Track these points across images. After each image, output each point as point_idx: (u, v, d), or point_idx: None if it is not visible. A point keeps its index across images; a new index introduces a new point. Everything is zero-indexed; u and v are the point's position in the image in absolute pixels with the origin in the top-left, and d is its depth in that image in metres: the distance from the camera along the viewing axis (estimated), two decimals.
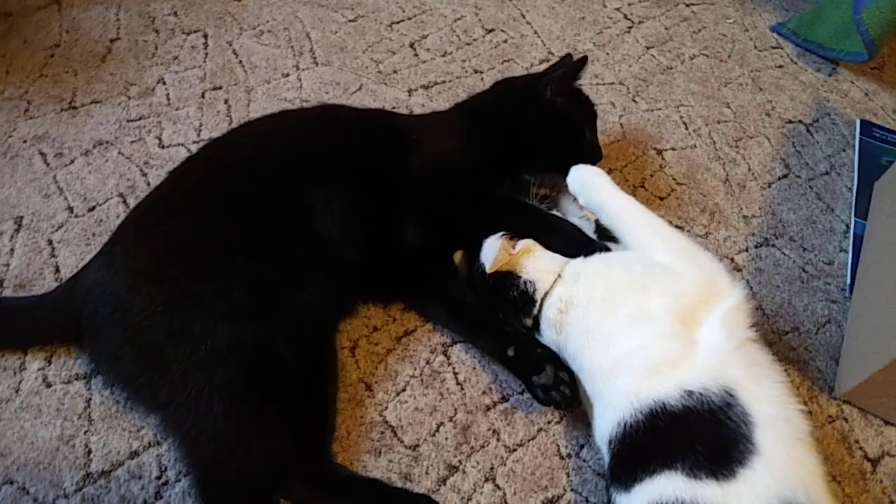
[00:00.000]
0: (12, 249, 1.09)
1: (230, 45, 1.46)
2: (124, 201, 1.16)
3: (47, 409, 0.94)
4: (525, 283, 0.97)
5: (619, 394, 0.86)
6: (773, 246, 1.27)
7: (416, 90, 1.43)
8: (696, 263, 0.94)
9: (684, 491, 0.76)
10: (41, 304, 0.96)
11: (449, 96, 1.42)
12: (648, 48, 1.62)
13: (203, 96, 1.35)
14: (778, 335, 1.15)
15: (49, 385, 0.95)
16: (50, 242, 1.10)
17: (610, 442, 0.87)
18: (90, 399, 0.95)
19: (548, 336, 0.97)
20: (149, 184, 1.19)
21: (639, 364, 0.86)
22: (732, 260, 1.24)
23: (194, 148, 1.25)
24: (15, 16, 1.45)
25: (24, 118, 1.27)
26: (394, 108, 1.38)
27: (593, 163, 1.10)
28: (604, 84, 1.51)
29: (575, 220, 1.10)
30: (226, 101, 1.35)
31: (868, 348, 1.07)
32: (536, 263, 0.99)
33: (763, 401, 0.82)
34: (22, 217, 1.13)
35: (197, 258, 0.87)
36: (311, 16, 1.56)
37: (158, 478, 0.90)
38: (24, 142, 1.23)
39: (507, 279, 0.98)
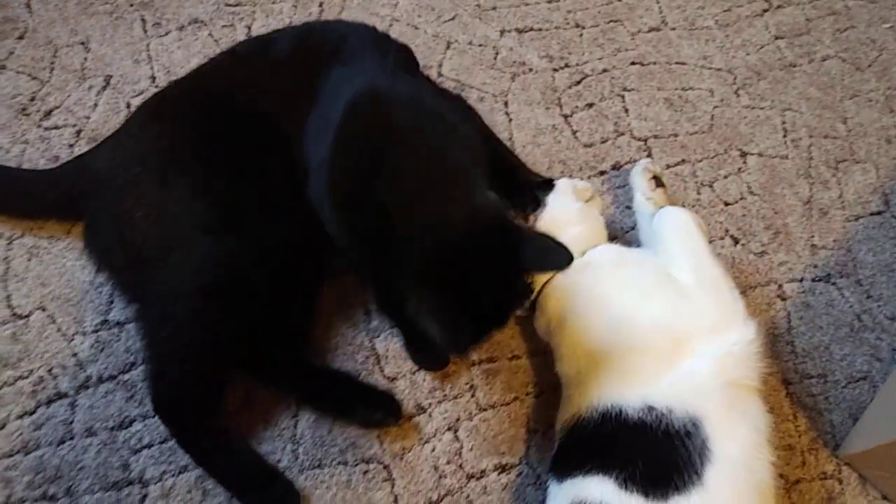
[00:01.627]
0: (96, 104, 1.19)
1: None
2: None
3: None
4: None
5: (582, 387, 0.86)
6: (834, 284, 1.17)
7: (509, 31, 1.39)
8: (716, 295, 0.89)
9: (610, 499, 0.76)
10: (44, 178, 1.03)
11: (541, 45, 1.37)
12: (777, 38, 1.47)
13: None
14: (800, 377, 1.08)
15: None
16: (128, 105, 1.19)
17: (561, 429, 0.87)
18: None
19: (539, 323, 0.97)
20: None
21: (607, 367, 0.84)
22: (780, 287, 1.16)
23: None
24: None
25: None
26: (481, 46, 1.35)
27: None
28: (710, 68, 1.39)
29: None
30: (320, 5, 1.37)
31: (894, 415, 0.99)
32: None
33: (730, 441, 0.79)
34: (111, 77, 1.22)
35: (191, 167, 0.90)
36: None
37: None
38: (131, 6, 1.31)
39: None
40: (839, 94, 1.41)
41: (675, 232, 0.97)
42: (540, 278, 0.95)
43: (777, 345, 1.10)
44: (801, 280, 1.17)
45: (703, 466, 0.76)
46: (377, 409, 0.95)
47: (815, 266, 1.19)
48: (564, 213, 1.00)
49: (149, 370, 0.91)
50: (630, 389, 0.82)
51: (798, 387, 1.07)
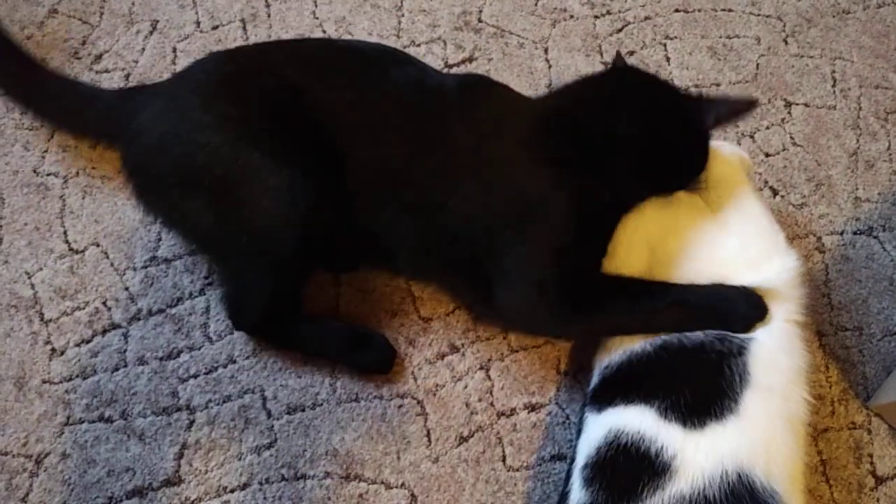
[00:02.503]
0: (143, 49, 1.22)
1: None
2: (244, 27, 1.25)
3: None
4: None
5: None
6: (876, 238, 1.15)
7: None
8: (756, 226, 0.92)
9: (649, 428, 0.79)
10: (101, 96, 1.06)
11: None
12: None
13: None
14: (835, 328, 1.08)
15: None
16: (174, 50, 1.22)
17: (607, 366, 0.90)
18: None
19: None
20: (269, 15, 1.26)
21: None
22: (819, 239, 1.14)
23: None
24: None
25: None
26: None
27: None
28: (758, 14, 1.35)
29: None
30: None
31: None
32: None
33: (769, 370, 0.81)
34: (157, 21, 1.25)
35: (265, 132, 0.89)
36: None
37: (206, 277, 1.04)
38: None
39: None
40: (893, 42, 1.35)
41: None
42: None
43: (813, 296, 1.09)
44: (842, 233, 1.15)
45: (741, 392, 0.78)
46: (369, 355, 1.00)
47: (858, 219, 1.17)
48: None
49: (228, 293, 0.98)
50: None
51: (832, 339, 1.07)
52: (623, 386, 0.86)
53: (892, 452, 1.00)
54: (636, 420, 0.81)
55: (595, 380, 0.92)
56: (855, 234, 1.15)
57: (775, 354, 0.83)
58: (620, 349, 0.89)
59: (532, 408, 0.99)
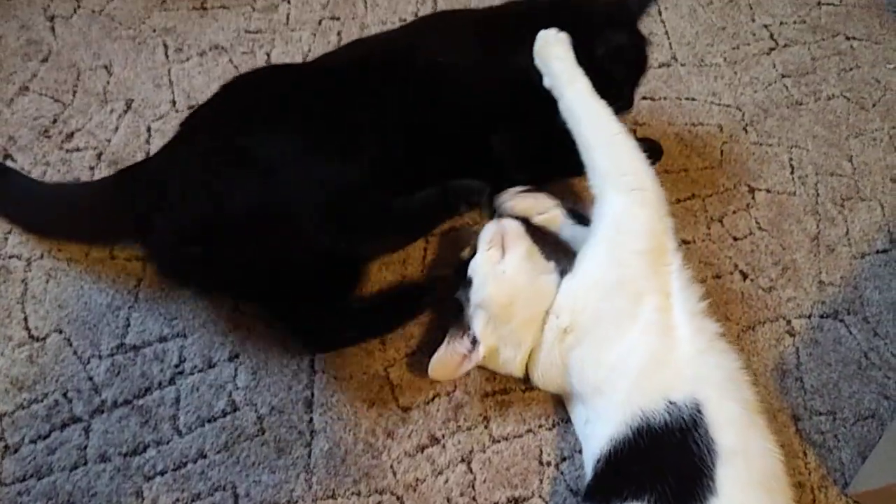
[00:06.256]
0: (117, 128, 1.20)
1: None
2: None
3: (106, 278, 1.05)
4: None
5: (612, 405, 0.87)
6: (842, 321, 1.19)
7: None
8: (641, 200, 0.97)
9: None
10: (97, 188, 1.05)
11: None
12: (784, 76, 1.50)
13: (320, 23, 1.40)
14: (809, 413, 1.09)
15: (113, 258, 1.07)
16: (148, 129, 1.21)
17: (598, 460, 0.88)
18: (141, 280, 1.05)
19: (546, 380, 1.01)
20: None
21: (629, 366, 0.89)
22: (789, 322, 1.17)
23: None
24: None
25: (160, 9, 1.37)
26: None
27: (617, 112, 1.05)
28: (719, 104, 1.42)
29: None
30: (339, 33, 1.39)
31: None
32: (505, 364, 0.99)
33: (728, 429, 0.83)
34: (132, 100, 1.24)
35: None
36: None
37: (177, 366, 1.00)
38: (154, 31, 1.33)
39: None
40: (844, 132, 1.43)
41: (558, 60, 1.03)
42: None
43: (786, 381, 1.11)
44: (810, 316, 1.18)
45: (714, 467, 0.80)
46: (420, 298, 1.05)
47: (823, 302, 1.20)
48: None
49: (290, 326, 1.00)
50: (651, 387, 0.86)
51: (807, 423, 1.08)
52: (615, 482, 0.85)
53: None
54: None
55: (588, 476, 0.91)
56: (822, 317, 1.19)
57: (724, 404, 0.85)
58: (606, 438, 0.88)
59: (515, 501, 0.97)
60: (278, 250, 0.91)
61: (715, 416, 0.83)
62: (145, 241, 0.98)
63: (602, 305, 0.94)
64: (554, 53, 1.02)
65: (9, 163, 1.13)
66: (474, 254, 1.01)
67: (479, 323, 0.96)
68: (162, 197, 0.92)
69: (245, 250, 0.90)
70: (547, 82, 1.02)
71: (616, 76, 1.10)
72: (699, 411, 0.83)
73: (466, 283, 0.99)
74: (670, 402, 0.84)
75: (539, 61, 1.03)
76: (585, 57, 1.03)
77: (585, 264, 0.98)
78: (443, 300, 1.04)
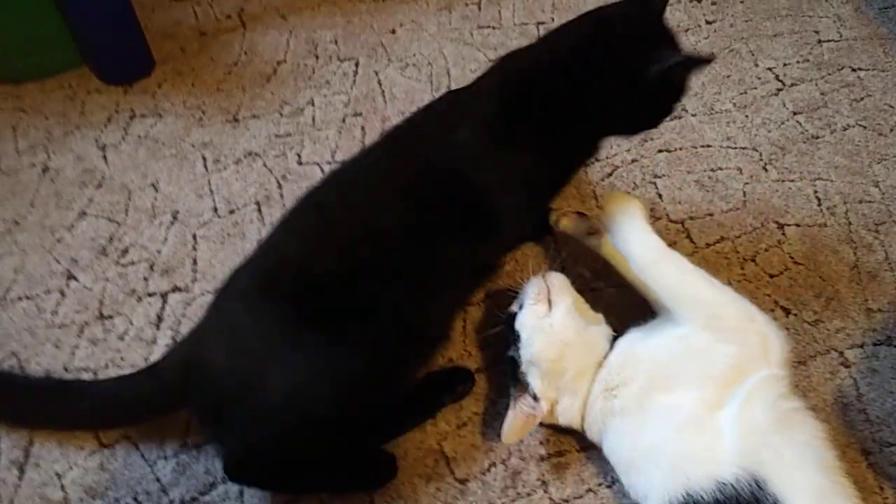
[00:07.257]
0: (166, 238, 1.29)
1: (377, 74, 1.60)
2: (259, 209, 1.33)
3: None
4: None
5: (653, 487, 0.86)
6: None
7: None
8: (737, 339, 0.91)
9: None
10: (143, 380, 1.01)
11: None
12: (795, 113, 1.53)
13: (344, 121, 1.49)
14: (879, 445, 1.06)
15: None
16: (194, 237, 1.29)
17: None
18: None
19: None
20: (282, 195, 1.35)
21: (666, 458, 0.85)
22: (841, 353, 1.15)
23: (327, 168, 1.39)
24: (208, 35, 1.70)
25: (198, 126, 1.49)
26: None
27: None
28: (735, 148, 1.45)
29: None
30: (362, 128, 1.48)
31: None
32: (563, 415, 0.99)
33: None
34: (178, 212, 1.33)
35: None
36: (455, 53, 1.65)
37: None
38: (193, 146, 1.44)
39: None
40: (866, 159, 1.44)
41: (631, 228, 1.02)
42: None
43: (849, 414, 1.08)
44: (863, 345, 1.16)
45: None
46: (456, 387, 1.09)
47: (875, 330, 1.18)
48: None
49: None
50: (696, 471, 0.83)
51: (878, 456, 1.05)
52: None
53: None
54: None
55: None
56: (875, 344, 1.17)
57: (794, 474, 0.80)
58: None
59: None
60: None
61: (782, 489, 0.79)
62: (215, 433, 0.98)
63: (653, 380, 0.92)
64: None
65: (72, 283, 1.22)
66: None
67: (534, 379, 0.97)
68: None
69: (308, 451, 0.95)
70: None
71: (665, 98, 1.05)
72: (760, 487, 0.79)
73: (515, 338, 1.01)
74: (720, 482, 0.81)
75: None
76: (630, 77, 0.96)
77: (658, 338, 0.96)
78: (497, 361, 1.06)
